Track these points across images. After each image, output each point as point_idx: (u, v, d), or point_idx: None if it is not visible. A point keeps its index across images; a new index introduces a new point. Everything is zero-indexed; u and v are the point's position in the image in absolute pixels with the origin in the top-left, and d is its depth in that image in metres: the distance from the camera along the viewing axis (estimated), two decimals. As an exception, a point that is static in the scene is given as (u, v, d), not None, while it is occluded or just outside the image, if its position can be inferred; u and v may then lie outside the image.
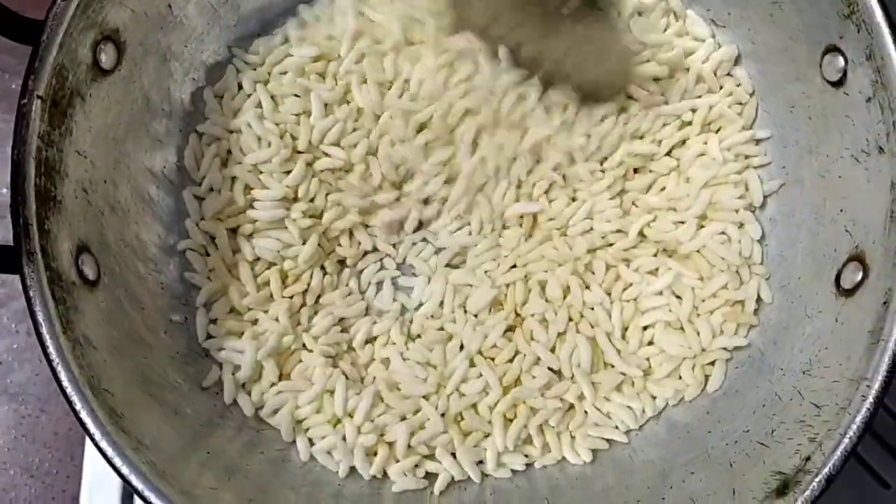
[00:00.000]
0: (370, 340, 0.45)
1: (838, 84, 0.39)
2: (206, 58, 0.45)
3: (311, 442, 0.43)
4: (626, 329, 0.44)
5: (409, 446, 0.42)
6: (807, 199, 0.42)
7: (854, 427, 0.34)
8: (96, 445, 0.33)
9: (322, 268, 0.45)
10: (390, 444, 0.42)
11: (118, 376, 0.36)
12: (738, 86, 0.45)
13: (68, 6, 0.37)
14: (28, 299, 0.34)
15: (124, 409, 0.35)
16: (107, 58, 0.39)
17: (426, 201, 0.46)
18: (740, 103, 0.45)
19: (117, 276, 0.39)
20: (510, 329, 0.44)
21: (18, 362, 0.55)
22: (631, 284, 0.44)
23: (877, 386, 0.34)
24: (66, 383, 0.34)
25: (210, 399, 0.42)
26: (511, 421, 0.43)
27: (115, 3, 0.39)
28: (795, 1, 0.40)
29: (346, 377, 0.43)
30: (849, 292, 0.37)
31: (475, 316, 0.44)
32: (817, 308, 0.39)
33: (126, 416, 0.35)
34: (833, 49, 0.38)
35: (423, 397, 0.43)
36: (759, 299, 0.43)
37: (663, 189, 0.45)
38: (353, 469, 0.42)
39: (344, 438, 0.42)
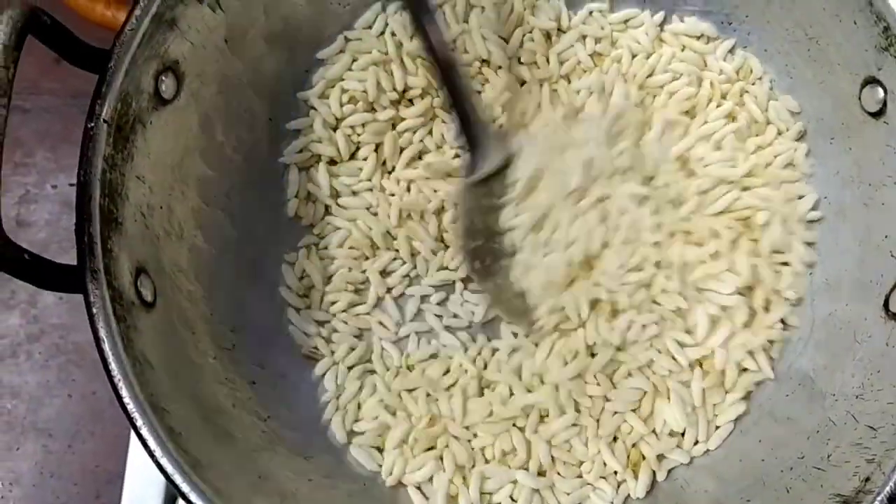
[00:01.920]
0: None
1: (878, 115, 0.40)
2: (258, 90, 0.46)
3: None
4: None
5: None
6: (850, 228, 0.42)
7: (913, 445, 0.34)
8: (156, 463, 0.33)
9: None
10: None
11: (174, 397, 0.36)
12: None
13: (134, 36, 0.38)
14: (91, 316, 0.35)
15: (181, 428, 0.35)
16: (167, 88, 0.40)
17: None
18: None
19: (170, 300, 0.40)
20: None
21: (49, 398, 0.55)
22: None
23: (934, 403, 0.34)
24: (127, 399, 0.34)
25: (259, 425, 0.42)
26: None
27: (177, 36, 0.40)
28: (832, 35, 0.41)
29: None
30: (899, 316, 0.38)
31: None
32: (867, 333, 0.39)
33: (183, 436, 0.35)
34: (872, 81, 0.40)
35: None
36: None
37: None
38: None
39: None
